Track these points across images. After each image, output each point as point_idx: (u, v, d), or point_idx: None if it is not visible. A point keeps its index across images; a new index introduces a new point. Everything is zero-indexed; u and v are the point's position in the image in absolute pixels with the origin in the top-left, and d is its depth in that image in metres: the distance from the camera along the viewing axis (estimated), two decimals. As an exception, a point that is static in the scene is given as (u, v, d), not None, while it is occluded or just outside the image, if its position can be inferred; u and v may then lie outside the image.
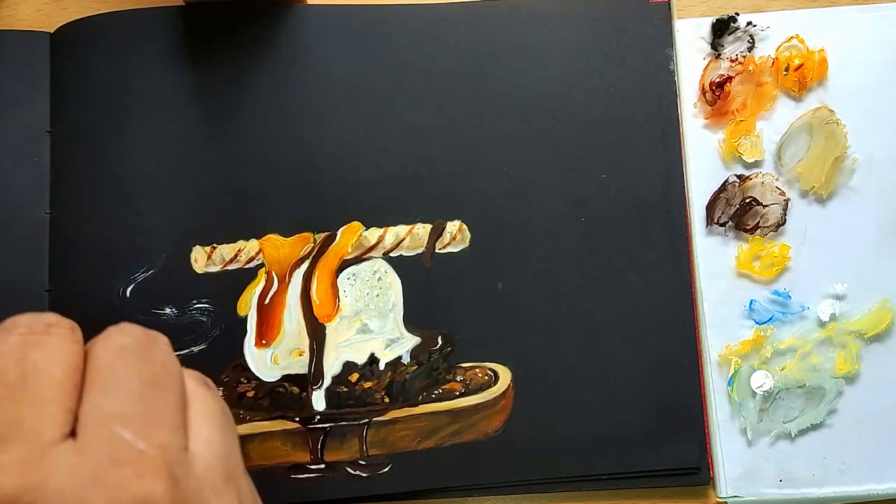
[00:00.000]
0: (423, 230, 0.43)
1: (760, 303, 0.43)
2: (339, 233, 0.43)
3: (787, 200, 0.44)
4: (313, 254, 0.43)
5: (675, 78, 0.45)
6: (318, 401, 0.42)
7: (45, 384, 0.23)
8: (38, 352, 0.24)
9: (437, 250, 0.43)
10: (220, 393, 0.41)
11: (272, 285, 0.43)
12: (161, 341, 0.26)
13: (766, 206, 0.44)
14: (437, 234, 0.43)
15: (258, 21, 0.45)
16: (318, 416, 0.41)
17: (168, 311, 0.42)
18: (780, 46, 0.45)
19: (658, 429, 0.41)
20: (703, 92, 0.45)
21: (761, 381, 0.42)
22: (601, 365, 0.42)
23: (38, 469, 0.22)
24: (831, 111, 0.44)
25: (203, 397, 0.26)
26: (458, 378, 0.42)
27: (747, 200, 0.44)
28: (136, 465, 0.22)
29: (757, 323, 0.43)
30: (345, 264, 0.43)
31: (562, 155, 0.44)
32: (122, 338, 0.25)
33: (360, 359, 0.42)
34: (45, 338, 0.24)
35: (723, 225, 0.44)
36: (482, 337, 0.42)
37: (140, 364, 0.24)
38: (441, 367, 0.42)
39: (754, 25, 0.45)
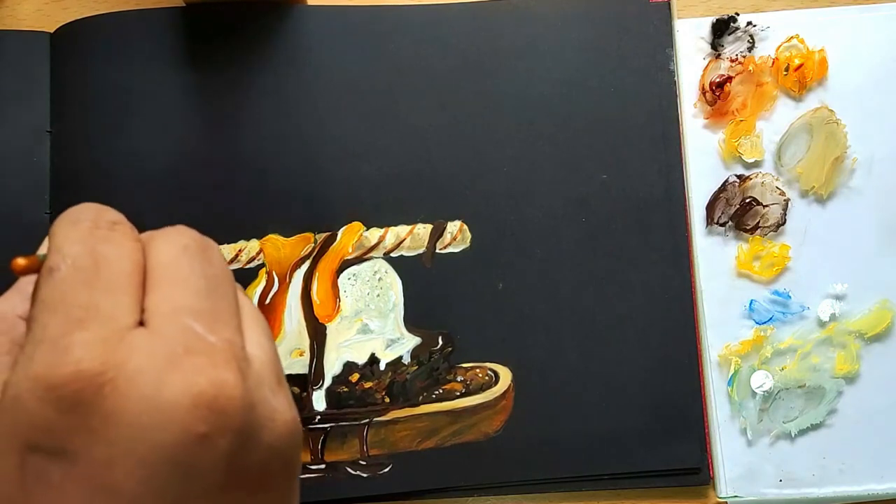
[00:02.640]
0: (423, 230, 0.43)
1: (760, 303, 0.43)
2: (339, 233, 0.43)
3: (787, 200, 0.44)
4: (314, 254, 0.43)
5: (675, 78, 0.45)
6: (319, 401, 0.42)
7: (115, 274, 0.24)
8: (106, 245, 0.24)
9: (437, 250, 0.43)
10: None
11: (273, 285, 0.43)
12: (216, 246, 0.27)
13: (766, 206, 0.44)
14: (437, 234, 0.43)
15: (258, 22, 0.45)
16: (319, 416, 0.41)
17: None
18: (780, 46, 0.45)
19: (658, 429, 0.41)
20: (703, 92, 0.45)
21: (761, 381, 0.42)
22: (601, 365, 0.42)
23: (118, 348, 0.22)
24: (831, 111, 0.44)
25: (249, 306, 0.27)
26: (459, 378, 0.42)
27: (747, 200, 0.44)
28: (209, 355, 0.23)
29: (757, 323, 0.43)
30: (345, 264, 0.43)
31: (562, 155, 0.44)
32: (183, 238, 0.26)
33: (361, 359, 0.42)
34: (111, 233, 0.25)
35: (723, 225, 0.44)
36: (483, 337, 0.42)
37: (203, 264, 0.25)
38: (441, 367, 0.42)
39: (754, 25, 0.45)
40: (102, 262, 0.24)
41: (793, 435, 0.42)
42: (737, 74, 0.45)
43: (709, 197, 0.44)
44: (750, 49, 0.45)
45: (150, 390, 0.22)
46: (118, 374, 0.22)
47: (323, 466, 0.41)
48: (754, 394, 0.42)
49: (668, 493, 0.42)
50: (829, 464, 0.42)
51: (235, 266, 0.43)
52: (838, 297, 0.43)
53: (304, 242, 0.43)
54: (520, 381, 0.42)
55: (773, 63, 0.45)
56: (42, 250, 0.25)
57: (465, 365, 0.42)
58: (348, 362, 0.42)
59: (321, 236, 0.43)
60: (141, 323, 0.23)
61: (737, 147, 0.44)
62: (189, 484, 0.22)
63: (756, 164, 0.44)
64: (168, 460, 0.22)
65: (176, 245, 0.25)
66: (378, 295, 0.43)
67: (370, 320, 0.43)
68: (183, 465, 0.22)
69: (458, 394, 0.42)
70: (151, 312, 0.24)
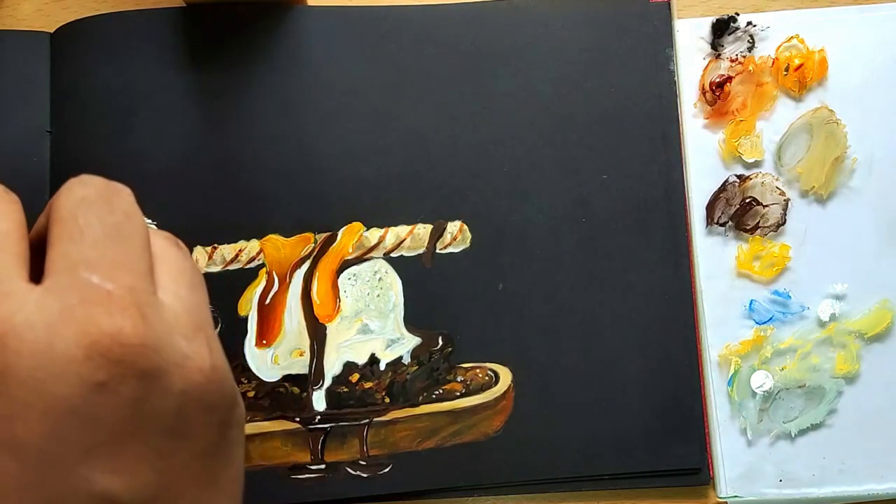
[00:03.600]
0: (423, 230, 0.43)
1: (760, 303, 0.43)
2: (339, 233, 0.43)
3: (787, 200, 0.44)
4: (314, 254, 0.43)
5: (675, 78, 0.45)
6: (319, 401, 0.42)
7: None
8: None
9: (437, 251, 0.43)
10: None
11: (273, 285, 0.43)
12: (124, 192, 0.26)
13: (766, 206, 0.44)
14: (437, 234, 0.43)
15: (259, 22, 0.45)
16: (319, 417, 0.41)
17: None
18: (780, 46, 0.45)
19: (658, 429, 0.41)
20: (703, 92, 0.45)
21: (761, 381, 0.42)
22: (601, 365, 0.42)
23: (4, 303, 0.22)
24: (831, 111, 0.44)
25: (173, 256, 0.27)
26: (459, 378, 0.42)
27: (747, 200, 0.44)
28: (105, 304, 0.23)
29: (757, 323, 0.43)
30: (345, 264, 0.43)
31: (562, 155, 0.44)
32: (83, 189, 0.25)
33: (361, 359, 0.42)
34: None
35: (723, 225, 0.44)
36: (483, 337, 0.42)
37: (102, 213, 0.25)
38: (441, 367, 0.42)
39: (754, 25, 0.45)
40: None
41: (793, 435, 0.42)
42: (737, 74, 0.45)
43: (709, 197, 0.44)
44: (750, 49, 0.45)
45: (41, 345, 0.22)
46: (7, 330, 0.22)
47: (323, 466, 0.41)
48: (754, 394, 0.42)
49: (668, 494, 0.42)
50: (829, 464, 0.42)
51: (235, 266, 0.43)
52: (838, 297, 0.43)
53: (304, 242, 0.43)
54: (520, 381, 0.42)
55: (773, 63, 0.45)
56: None
57: (465, 365, 0.42)
58: (348, 362, 0.42)
59: (321, 236, 0.43)
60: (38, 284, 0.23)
61: (737, 147, 0.44)
62: (94, 432, 0.22)
63: (756, 164, 0.44)
64: (69, 411, 0.22)
65: (73, 198, 0.25)
66: (378, 295, 0.43)
67: (370, 320, 0.43)
68: (84, 415, 0.22)
69: (458, 394, 0.42)
70: (48, 270, 0.23)
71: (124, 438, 0.22)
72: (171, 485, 0.24)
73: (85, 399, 0.22)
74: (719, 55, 0.45)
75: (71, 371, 0.22)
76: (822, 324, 0.43)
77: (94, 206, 0.25)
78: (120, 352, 0.22)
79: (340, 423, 0.41)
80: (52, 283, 0.23)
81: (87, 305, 0.22)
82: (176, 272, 0.26)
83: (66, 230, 0.24)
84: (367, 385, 0.42)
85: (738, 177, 0.44)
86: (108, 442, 0.22)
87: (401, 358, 0.42)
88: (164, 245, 0.27)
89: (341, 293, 0.43)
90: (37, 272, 0.24)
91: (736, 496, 0.41)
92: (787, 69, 0.44)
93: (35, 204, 0.42)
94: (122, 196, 0.26)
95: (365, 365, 0.42)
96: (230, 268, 0.43)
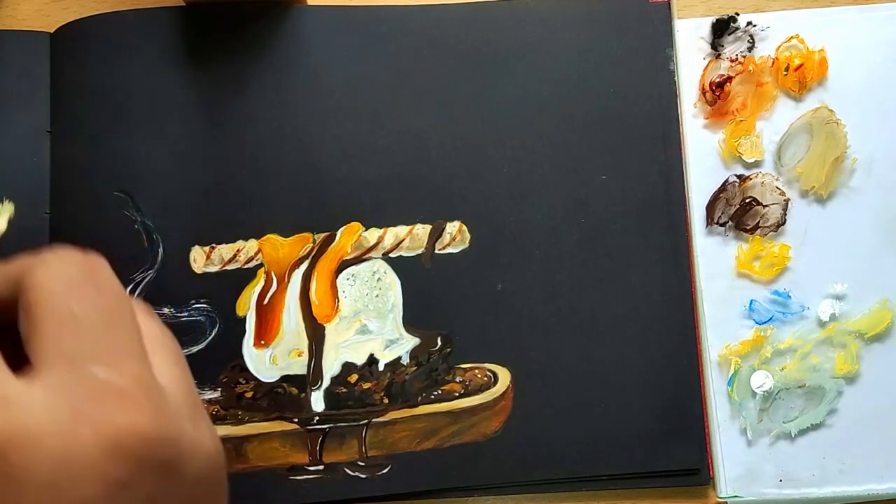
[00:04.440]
0: (422, 231, 0.43)
1: (760, 303, 0.43)
2: (338, 233, 0.43)
3: (787, 200, 0.44)
4: (313, 254, 0.43)
5: (675, 78, 0.44)
6: (317, 401, 0.42)
7: None
8: None
9: (436, 251, 0.43)
10: (219, 393, 0.41)
11: (271, 285, 0.43)
12: (103, 265, 0.25)
13: (766, 206, 0.44)
14: (436, 234, 0.43)
15: (258, 21, 0.45)
16: (317, 417, 0.41)
17: (166, 310, 0.42)
18: (780, 46, 0.45)
19: (658, 429, 0.41)
20: (703, 92, 0.45)
21: (761, 381, 0.42)
22: (601, 365, 0.42)
23: (8, 409, 0.21)
24: (831, 111, 0.44)
25: (154, 330, 0.26)
26: (458, 379, 0.42)
27: (747, 200, 0.44)
28: (117, 400, 0.22)
29: (757, 323, 0.43)
30: (344, 265, 0.43)
31: (562, 155, 0.44)
32: (66, 266, 0.24)
33: (360, 359, 0.42)
34: None
35: (723, 225, 0.44)
36: (482, 338, 0.42)
37: (94, 296, 0.23)
38: (440, 367, 0.42)
39: (754, 25, 0.45)
40: None
41: (793, 435, 0.42)
42: (737, 74, 0.44)
43: (709, 197, 0.44)
44: (750, 49, 0.45)
45: (59, 450, 0.21)
46: (21, 438, 0.21)
47: (321, 467, 0.41)
48: (754, 394, 0.42)
49: (668, 494, 0.42)
50: (829, 464, 0.42)
51: (234, 266, 0.43)
52: (838, 297, 0.43)
53: (302, 242, 0.43)
54: (519, 381, 0.42)
55: (773, 63, 0.45)
56: None
57: (464, 366, 0.42)
58: (347, 363, 0.42)
59: (320, 236, 0.43)
60: (26, 360, 0.22)
61: (737, 147, 0.44)
62: None
63: (756, 164, 0.44)
64: None
65: (59, 278, 0.23)
66: (377, 295, 0.43)
67: (369, 321, 0.43)
68: None
69: (457, 394, 0.42)
70: (42, 359, 0.22)
71: None
72: None
73: (107, 499, 0.21)
74: (719, 55, 0.45)
75: (92, 473, 0.21)
76: (822, 324, 0.43)
77: (83, 286, 0.23)
78: (140, 450, 0.22)
79: (339, 424, 0.41)
80: (52, 379, 0.22)
81: (98, 403, 0.22)
82: (160, 348, 0.25)
83: (54, 316, 0.23)
84: (366, 385, 0.42)
85: (738, 177, 0.44)
86: None
87: (399, 358, 0.42)
88: (143, 319, 0.25)
89: (340, 293, 0.43)
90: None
91: (736, 496, 0.41)
92: (787, 69, 0.44)
93: (35, 204, 0.43)
94: (104, 271, 0.24)
95: (364, 365, 0.42)
96: (228, 268, 0.43)
